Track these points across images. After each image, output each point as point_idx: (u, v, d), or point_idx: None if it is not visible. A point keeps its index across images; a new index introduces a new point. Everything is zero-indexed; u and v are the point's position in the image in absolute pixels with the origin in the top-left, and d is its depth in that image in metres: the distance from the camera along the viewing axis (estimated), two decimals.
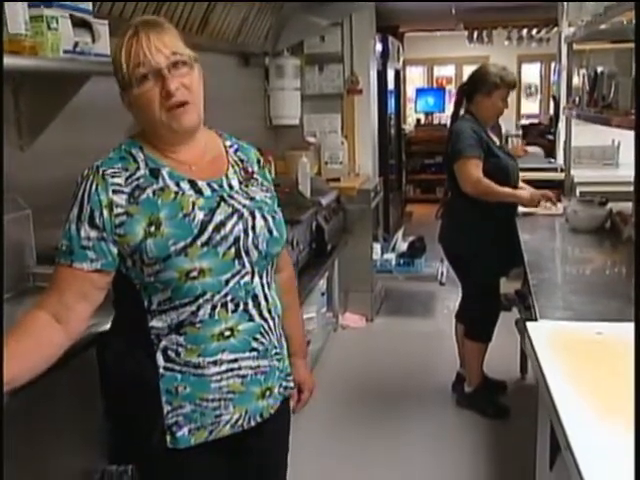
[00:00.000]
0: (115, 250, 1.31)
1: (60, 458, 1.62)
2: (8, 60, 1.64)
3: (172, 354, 1.34)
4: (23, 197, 2.09)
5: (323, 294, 4.12)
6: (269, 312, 1.43)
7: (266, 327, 1.42)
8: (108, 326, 1.48)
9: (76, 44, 1.91)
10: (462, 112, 3.30)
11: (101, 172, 1.31)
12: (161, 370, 1.35)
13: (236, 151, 1.49)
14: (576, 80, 3.92)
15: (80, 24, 1.94)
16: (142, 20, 1.34)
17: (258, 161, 1.53)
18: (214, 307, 1.34)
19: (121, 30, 1.33)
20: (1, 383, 1.16)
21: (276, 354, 1.46)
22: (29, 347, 1.25)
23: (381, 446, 3.03)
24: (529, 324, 1.70)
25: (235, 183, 1.42)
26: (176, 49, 1.32)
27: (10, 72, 1.74)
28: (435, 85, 11.36)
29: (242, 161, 1.48)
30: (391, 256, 4.84)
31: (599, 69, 3.04)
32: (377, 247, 4.80)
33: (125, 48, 1.30)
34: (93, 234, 1.29)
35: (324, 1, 4.23)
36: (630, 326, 1.43)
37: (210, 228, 1.33)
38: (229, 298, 1.35)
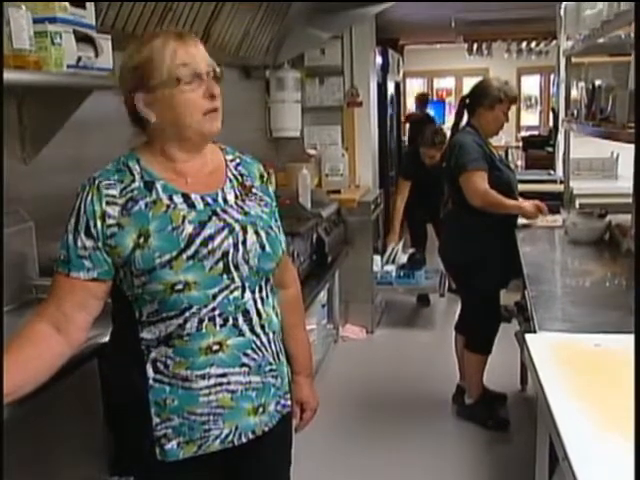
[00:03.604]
0: (110, 259, 1.32)
1: (62, 469, 1.63)
2: (13, 75, 1.67)
3: (161, 366, 1.34)
4: (26, 209, 2.10)
5: (323, 306, 4.12)
6: (262, 328, 1.41)
7: (258, 343, 1.41)
8: (108, 337, 1.49)
9: (79, 59, 1.93)
10: (463, 124, 3.32)
11: (97, 183, 1.33)
12: (150, 381, 1.35)
13: (237, 165, 1.49)
14: (574, 93, 3.94)
15: (83, 39, 1.96)
16: (178, 30, 1.38)
17: (261, 176, 1.53)
18: (201, 321, 1.33)
19: (147, 36, 1.36)
20: (1, 391, 1.16)
21: (271, 370, 1.45)
22: (31, 356, 1.26)
23: (381, 457, 3.03)
24: (528, 336, 1.71)
25: (230, 197, 1.42)
26: (213, 63, 1.37)
27: (14, 86, 1.76)
28: (435, 97, 11.42)
29: (242, 175, 1.48)
30: (391, 268, 4.85)
31: (597, 82, 3.06)
32: (377, 259, 4.81)
33: (169, 47, 1.32)
34: (89, 244, 1.31)
35: (330, 0, 4.24)
36: (629, 338, 1.44)
37: (197, 241, 1.33)
38: (217, 312, 1.35)
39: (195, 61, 1.33)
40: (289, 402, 1.54)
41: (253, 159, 1.56)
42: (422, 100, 8.81)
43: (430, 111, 8.90)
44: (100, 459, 1.69)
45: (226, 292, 1.35)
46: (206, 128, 1.36)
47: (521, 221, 3.26)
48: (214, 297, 1.34)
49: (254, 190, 1.48)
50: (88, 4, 2.00)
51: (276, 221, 1.50)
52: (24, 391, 1.24)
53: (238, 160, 1.51)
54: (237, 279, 1.37)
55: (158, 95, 1.33)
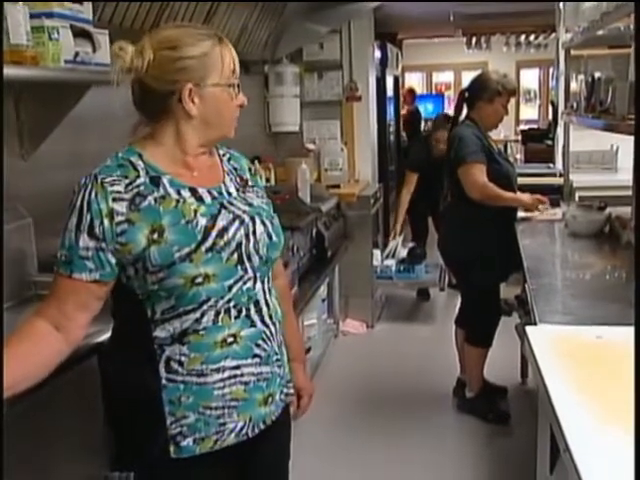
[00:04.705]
0: (114, 260, 1.30)
1: (62, 465, 1.63)
2: (10, 70, 1.66)
3: (175, 364, 1.34)
4: (24, 206, 2.10)
5: (324, 300, 4.13)
6: (270, 318, 1.44)
7: (268, 333, 1.43)
8: (108, 334, 1.49)
9: (77, 54, 1.92)
10: (462, 118, 3.32)
11: (100, 180, 1.30)
12: (163, 381, 1.34)
13: (229, 160, 1.52)
14: (574, 85, 3.94)
15: (80, 34, 1.95)
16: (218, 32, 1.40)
17: (249, 169, 1.55)
18: (218, 313, 1.34)
19: (191, 31, 1.36)
20: (1, 387, 1.16)
21: (277, 360, 1.47)
22: (30, 352, 1.25)
23: (382, 451, 3.03)
24: (528, 328, 1.71)
25: (233, 190, 1.44)
26: None
27: (12, 82, 1.75)
28: (434, 91, 11.40)
29: (236, 169, 1.51)
30: (391, 262, 4.85)
31: (596, 74, 3.05)
32: (377, 253, 4.81)
33: (226, 50, 1.37)
34: (92, 244, 1.28)
35: (327, 0, 4.24)
36: (629, 330, 1.44)
37: (213, 234, 1.34)
38: (232, 304, 1.36)
39: (237, 69, 1.40)
40: (292, 390, 1.56)
41: (240, 153, 1.58)
42: (412, 95, 8.88)
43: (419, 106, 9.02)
44: (100, 455, 1.69)
45: (240, 283, 1.37)
46: (229, 134, 1.42)
47: (521, 214, 3.26)
48: (230, 289, 1.35)
49: (250, 182, 1.51)
50: None
51: (274, 211, 1.53)
52: (22, 387, 1.23)
53: (228, 155, 1.53)
54: (249, 270, 1.39)
55: (206, 93, 1.34)
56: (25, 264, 2.10)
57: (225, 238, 1.35)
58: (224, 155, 1.51)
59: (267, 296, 1.44)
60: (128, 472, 1.69)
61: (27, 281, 2.08)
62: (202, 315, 1.33)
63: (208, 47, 1.34)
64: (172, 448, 1.36)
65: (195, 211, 1.34)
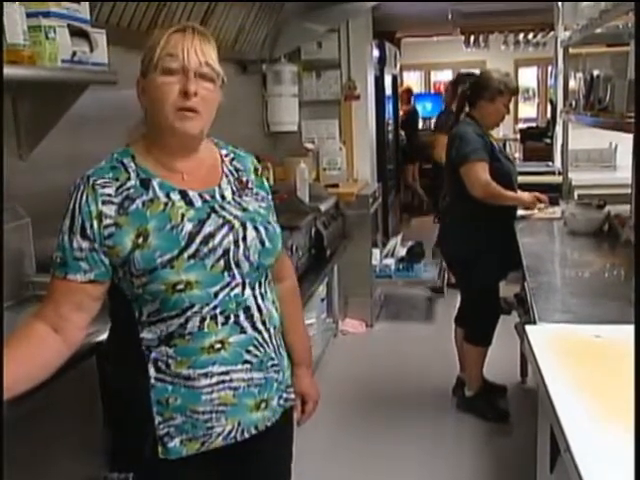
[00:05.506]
0: (107, 260, 1.31)
1: (61, 465, 1.62)
2: (7, 70, 1.65)
3: (162, 365, 1.34)
4: (22, 206, 2.09)
5: (323, 300, 4.12)
6: (263, 324, 1.41)
7: (260, 339, 1.41)
8: (106, 335, 1.48)
9: (74, 53, 1.92)
10: (462, 116, 3.31)
11: (91, 182, 1.30)
12: (152, 381, 1.34)
13: (232, 160, 1.48)
14: (572, 84, 3.94)
15: (78, 33, 1.95)
16: (194, 24, 1.36)
17: (256, 170, 1.51)
18: (203, 319, 1.33)
19: (163, 27, 1.36)
20: (1, 389, 1.16)
21: (273, 366, 1.45)
22: (29, 354, 1.25)
23: (382, 450, 3.03)
24: (528, 327, 1.71)
25: (228, 193, 1.41)
26: (211, 63, 1.33)
27: (9, 82, 1.75)
28: (432, 90, 11.40)
29: (237, 171, 1.47)
30: (390, 261, 4.84)
31: (595, 72, 3.05)
32: (376, 252, 4.80)
33: (168, 36, 1.31)
34: (85, 245, 1.29)
35: (323, 0, 4.25)
36: (629, 328, 1.43)
37: (198, 240, 1.32)
38: (218, 310, 1.34)
39: (185, 55, 1.30)
40: (292, 395, 1.54)
41: (246, 152, 1.54)
42: (409, 94, 8.92)
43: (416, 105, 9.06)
44: (99, 455, 1.69)
45: (227, 290, 1.35)
46: (176, 126, 1.31)
47: (520, 212, 3.26)
48: (216, 295, 1.33)
49: (250, 185, 1.47)
50: None
51: (273, 215, 1.49)
52: (22, 388, 1.22)
53: (232, 155, 1.49)
54: (238, 276, 1.36)
55: (146, 81, 1.33)
56: (23, 264, 2.09)
57: (210, 245, 1.33)
58: (227, 155, 1.48)
59: (259, 301, 1.41)
60: (127, 473, 1.68)
61: (25, 281, 2.07)
62: (186, 321, 1.32)
63: (157, 36, 1.33)
64: (160, 449, 1.36)
65: (182, 215, 1.33)
